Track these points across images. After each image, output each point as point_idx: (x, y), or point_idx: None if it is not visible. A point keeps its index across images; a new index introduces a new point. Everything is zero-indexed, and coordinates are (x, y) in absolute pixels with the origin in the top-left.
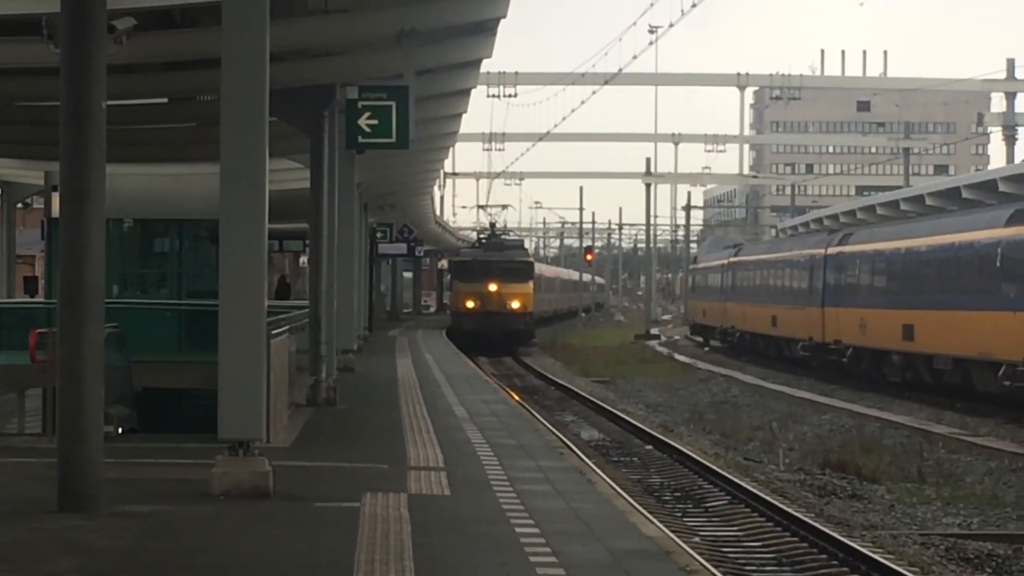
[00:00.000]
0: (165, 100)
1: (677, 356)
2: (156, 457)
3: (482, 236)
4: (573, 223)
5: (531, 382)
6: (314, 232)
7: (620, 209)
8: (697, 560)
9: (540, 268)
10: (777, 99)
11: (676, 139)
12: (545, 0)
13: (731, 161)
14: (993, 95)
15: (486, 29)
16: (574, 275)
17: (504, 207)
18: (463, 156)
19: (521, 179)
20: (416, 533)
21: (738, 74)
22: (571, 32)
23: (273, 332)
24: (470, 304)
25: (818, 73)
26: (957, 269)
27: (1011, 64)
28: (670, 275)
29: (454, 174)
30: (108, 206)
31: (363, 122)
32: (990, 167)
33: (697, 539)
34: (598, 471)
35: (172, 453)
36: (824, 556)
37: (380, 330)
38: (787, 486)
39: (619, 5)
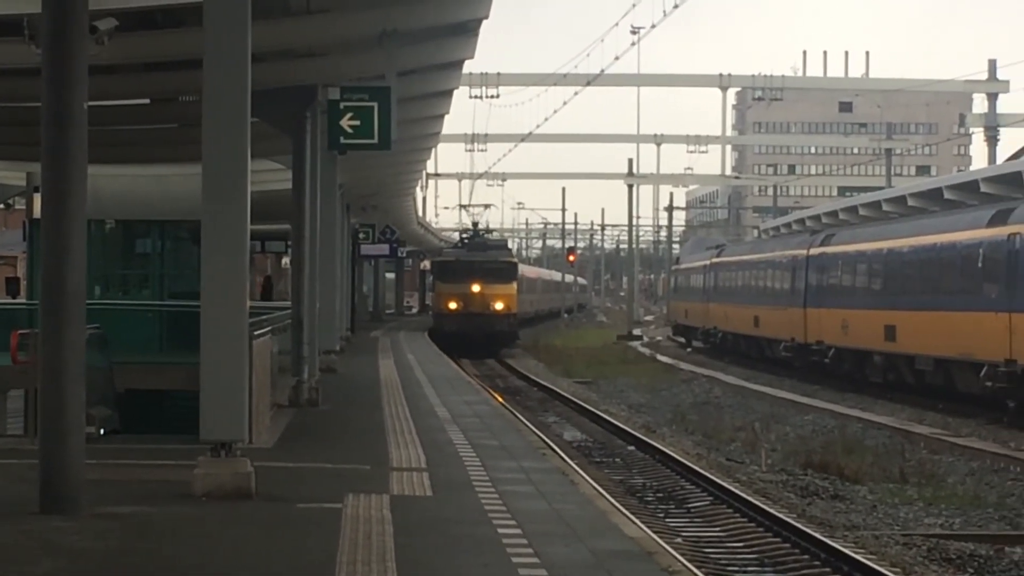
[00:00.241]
0: (147, 101)
1: (659, 357)
2: (138, 458)
3: (465, 236)
4: (556, 224)
5: (513, 383)
6: (296, 233)
7: (603, 210)
8: (679, 561)
9: (522, 268)
10: (759, 100)
11: (658, 140)
12: (527, 1)
13: (713, 162)
14: (975, 96)
15: (468, 30)
16: (556, 276)
17: (487, 207)
18: (445, 157)
19: (504, 180)
20: (398, 534)
21: (720, 75)
22: (553, 33)
23: (255, 333)
24: (453, 305)
25: (800, 74)
26: (939, 270)
27: (993, 65)
28: (652, 276)
29: (436, 175)
30: (90, 207)
31: (345, 123)
32: (972, 168)
33: (679, 540)
34: (580, 472)
35: (154, 454)
36: (806, 557)
37: (362, 331)
38: (769, 487)
39: (601, 6)
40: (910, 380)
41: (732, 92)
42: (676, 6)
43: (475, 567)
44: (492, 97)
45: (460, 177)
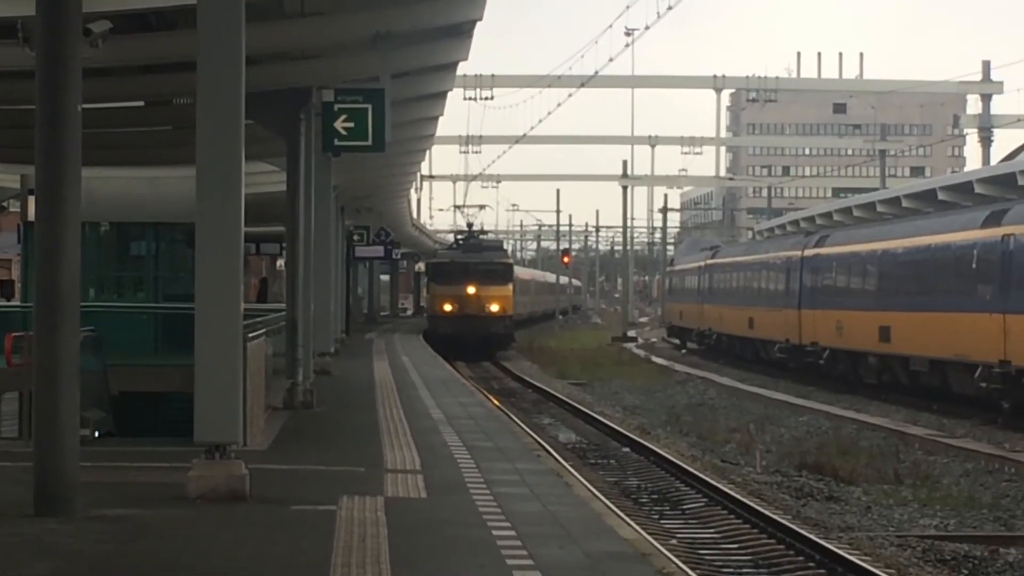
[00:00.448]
0: (141, 103)
1: (654, 358)
2: (132, 461)
3: (460, 237)
4: (550, 226)
5: (508, 385)
6: (290, 235)
7: (597, 211)
8: (674, 562)
9: (516, 270)
10: (753, 101)
11: (653, 141)
12: (521, 3)
13: (708, 163)
14: (969, 97)
15: (462, 32)
16: (550, 277)
17: (482, 207)
18: (440, 159)
19: (498, 181)
20: (393, 536)
21: (714, 76)
22: (547, 35)
23: (249, 335)
24: (448, 307)
25: (794, 75)
26: (933, 271)
27: (987, 66)
28: (647, 277)
29: (431, 177)
30: (84, 209)
31: (339, 125)
32: (966, 169)
33: (674, 541)
34: (575, 473)
35: (148, 456)
36: (801, 558)
37: (357, 333)
38: (764, 488)
39: (595, 8)
40: (904, 381)
41: (726, 93)
42: (670, 7)
43: (470, 569)
44: (486, 99)
45: (455, 179)
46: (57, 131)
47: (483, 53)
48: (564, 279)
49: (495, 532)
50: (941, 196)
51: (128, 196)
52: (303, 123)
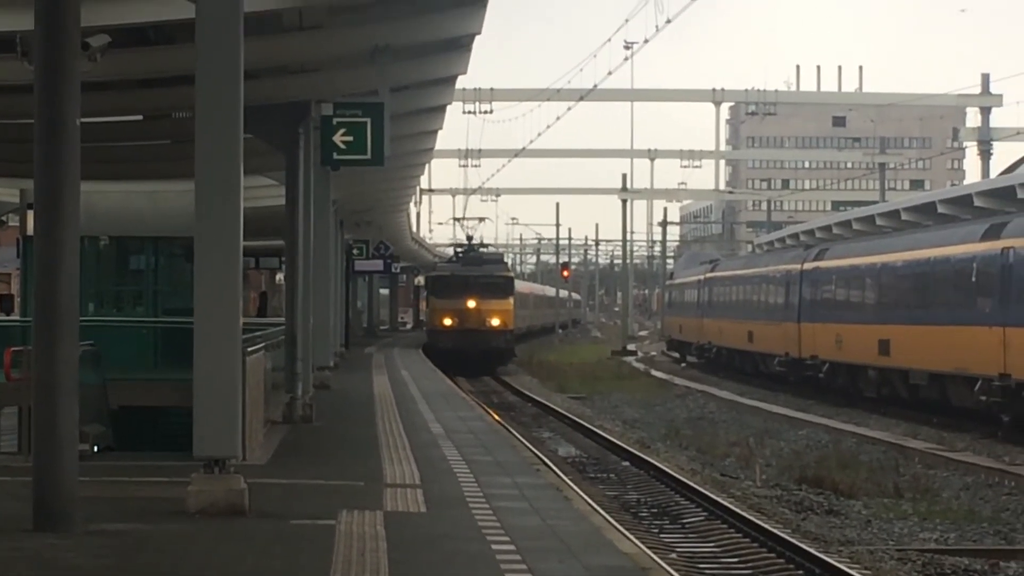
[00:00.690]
0: (140, 117)
1: (654, 372)
2: (132, 475)
3: (459, 250)
4: (550, 239)
5: (508, 399)
6: (290, 249)
7: (596, 225)
8: None
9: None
10: (753, 114)
11: (652, 155)
12: (520, 16)
13: (707, 177)
14: (968, 110)
15: (461, 45)
16: (549, 291)
17: (481, 220)
18: (439, 172)
19: (497, 195)
20: (392, 550)
21: (713, 90)
22: (546, 48)
23: (249, 349)
24: (447, 321)
25: (794, 88)
26: (933, 284)
27: (986, 79)
28: (647, 291)
29: (430, 190)
30: (83, 223)
31: (338, 139)
32: (965, 182)
33: (674, 555)
34: (575, 488)
35: (148, 471)
36: (801, 572)
37: (356, 347)
38: (764, 502)
39: (594, 21)
40: (904, 395)
41: (726, 107)
42: (669, 21)
43: None
44: (485, 112)
45: (454, 193)
46: (56, 145)
47: (482, 67)
48: (564, 293)
49: (494, 546)
50: (940, 209)
51: (127, 210)
52: (302, 137)
